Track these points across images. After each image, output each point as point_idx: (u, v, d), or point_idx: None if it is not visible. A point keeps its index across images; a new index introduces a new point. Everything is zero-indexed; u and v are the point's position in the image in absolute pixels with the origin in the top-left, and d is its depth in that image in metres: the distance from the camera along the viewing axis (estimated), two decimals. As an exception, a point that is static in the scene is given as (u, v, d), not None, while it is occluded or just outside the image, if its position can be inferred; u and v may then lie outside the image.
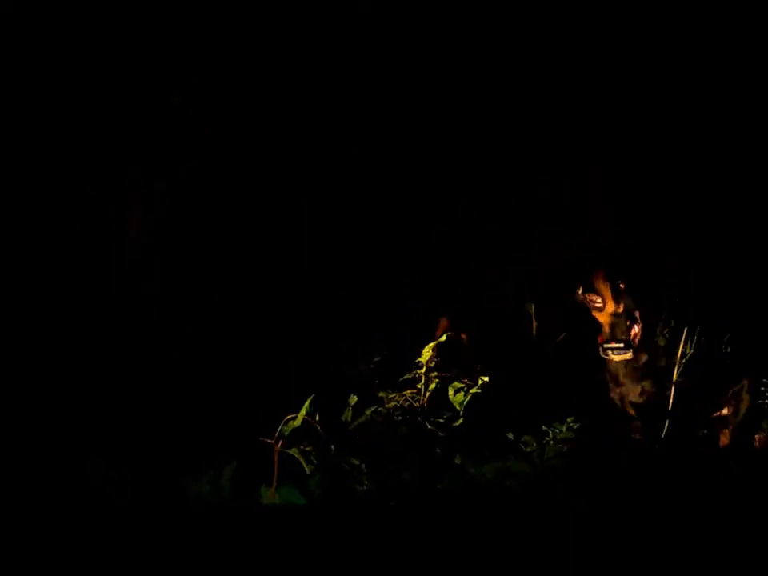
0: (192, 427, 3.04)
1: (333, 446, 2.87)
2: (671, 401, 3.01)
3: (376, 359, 3.07)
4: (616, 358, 3.03)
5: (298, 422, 2.90)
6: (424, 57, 3.72)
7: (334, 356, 3.07)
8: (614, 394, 3.12)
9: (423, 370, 3.00)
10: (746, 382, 3.14)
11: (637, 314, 3.03)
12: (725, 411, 3.20)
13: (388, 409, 2.96)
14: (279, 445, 2.84)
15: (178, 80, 3.53)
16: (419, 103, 3.70)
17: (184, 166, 3.51)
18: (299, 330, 3.26)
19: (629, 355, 3.01)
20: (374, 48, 3.66)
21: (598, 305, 3.02)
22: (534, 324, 3.40)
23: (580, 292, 3.04)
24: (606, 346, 3.04)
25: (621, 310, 3.03)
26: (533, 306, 3.36)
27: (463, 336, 3.26)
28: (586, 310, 3.10)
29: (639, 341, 3.02)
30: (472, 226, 3.57)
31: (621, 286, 3.04)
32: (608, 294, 3.02)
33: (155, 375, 3.18)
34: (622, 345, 3.01)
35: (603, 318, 3.05)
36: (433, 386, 2.95)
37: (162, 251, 3.43)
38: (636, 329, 3.02)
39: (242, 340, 3.28)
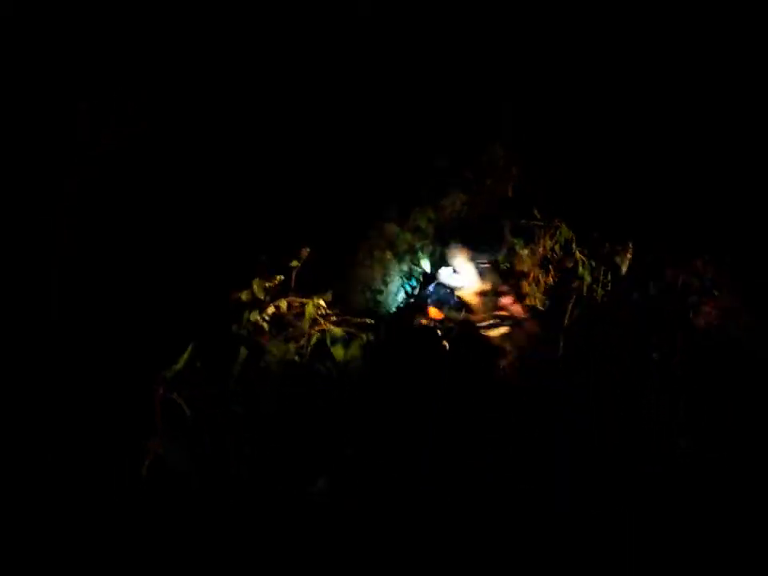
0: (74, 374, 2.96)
1: (215, 393, 2.86)
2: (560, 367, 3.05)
3: (269, 310, 2.98)
4: (493, 333, 3.08)
5: (179, 366, 2.85)
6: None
7: (221, 307, 2.97)
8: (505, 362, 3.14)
9: (308, 323, 2.96)
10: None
11: (503, 289, 3.13)
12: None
13: (275, 360, 2.92)
14: (161, 390, 2.81)
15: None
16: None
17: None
18: (187, 279, 3.15)
19: (506, 329, 3.08)
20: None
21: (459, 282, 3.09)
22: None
23: (443, 274, 3.13)
24: (479, 325, 3.10)
25: (488, 288, 3.12)
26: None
27: None
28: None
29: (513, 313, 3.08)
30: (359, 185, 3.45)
31: (486, 265, 3.13)
32: (471, 273, 3.10)
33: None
34: (495, 321, 3.08)
35: (470, 299, 3.13)
36: (314, 339, 2.92)
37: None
38: (505, 300, 3.10)
39: (129, 288, 3.16)
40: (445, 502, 2.55)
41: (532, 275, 3.19)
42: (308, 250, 3.04)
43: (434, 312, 3.19)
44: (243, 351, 2.91)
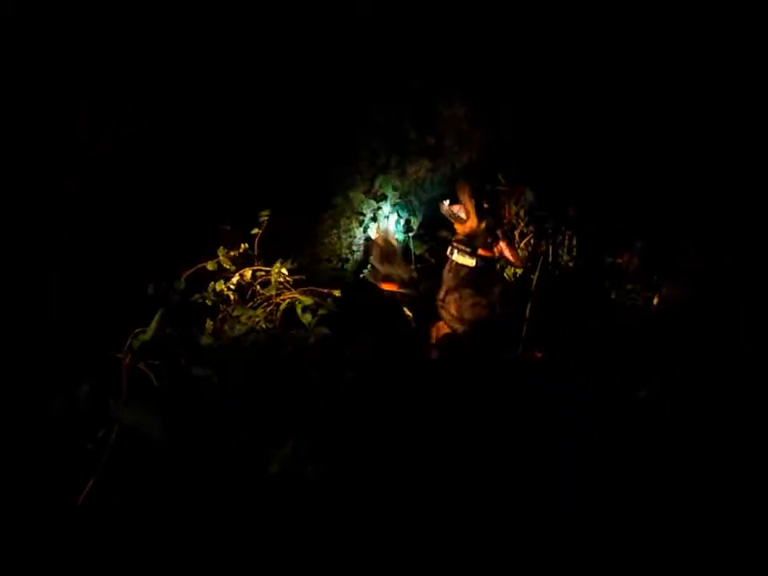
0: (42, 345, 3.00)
1: (183, 361, 2.86)
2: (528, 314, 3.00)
3: (234, 279, 2.99)
4: (458, 257, 3.09)
5: (147, 336, 2.87)
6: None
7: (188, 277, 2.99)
8: (438, 301, 3.18)
9: (274, 289, 2.96)
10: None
11: (499, 233, 3.11)
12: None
13: (243, 327, 2.92)
14: (128, 359, 2.83)
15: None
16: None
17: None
18: (152, 246, 3.18)
19: (471, 262, 3.06)
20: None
21: (462, 216, 3.09)
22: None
23: (446, 204, 3.11)
24: (455, 242, 3.11)
25: (482, 226, 3.09)
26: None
27: None
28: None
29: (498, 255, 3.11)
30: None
31: (485, 205, 3.10)
32: (471, 208, 3.08)
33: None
34: (469, 249, 3.07)
35: (462, 230, 3.12)
36: (284, 305, 2.91)
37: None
38: (500, 245, 3.09)
39: (96, 255, 3.21)
40: (442, 503, 2.50)
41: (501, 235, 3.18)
42: (268, 216, 3.06)
43: (386, 285, 3.20)
44: (209, 322, 2.93)
